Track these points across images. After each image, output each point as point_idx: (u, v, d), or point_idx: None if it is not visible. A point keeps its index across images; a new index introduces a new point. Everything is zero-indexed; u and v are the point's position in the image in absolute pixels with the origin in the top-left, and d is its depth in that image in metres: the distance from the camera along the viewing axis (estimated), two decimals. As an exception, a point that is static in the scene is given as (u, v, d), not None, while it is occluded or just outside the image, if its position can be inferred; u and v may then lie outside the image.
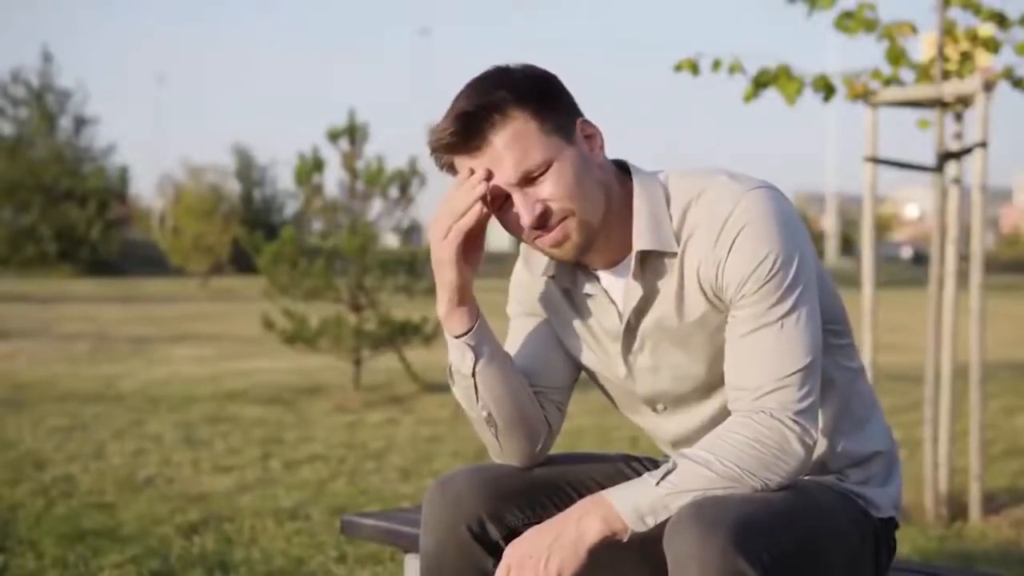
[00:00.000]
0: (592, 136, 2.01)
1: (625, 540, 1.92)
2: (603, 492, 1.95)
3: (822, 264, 2.09)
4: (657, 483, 1.90)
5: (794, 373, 1.94)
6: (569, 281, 2.11)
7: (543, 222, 1.97)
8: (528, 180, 1.95)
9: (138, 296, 25.69)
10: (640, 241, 2.00)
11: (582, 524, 1.91)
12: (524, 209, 1.96)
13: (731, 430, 1.93)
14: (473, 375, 2.07)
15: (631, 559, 2.14)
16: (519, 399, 2.11)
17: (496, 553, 2.06)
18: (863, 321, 4.97)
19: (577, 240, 1.99)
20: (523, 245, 2.17)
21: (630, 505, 1.90)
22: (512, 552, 1.94)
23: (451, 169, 2.01)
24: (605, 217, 2.01)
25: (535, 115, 1.94)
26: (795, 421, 1.93)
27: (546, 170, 1.95)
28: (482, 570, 2.07)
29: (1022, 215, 77.26)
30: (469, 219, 1.97)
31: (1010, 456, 6.52)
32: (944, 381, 5.02)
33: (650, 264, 2.02)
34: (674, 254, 2.00)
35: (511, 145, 1.94)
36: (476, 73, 2.01)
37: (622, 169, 2.07)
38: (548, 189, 1.95)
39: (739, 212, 1.95)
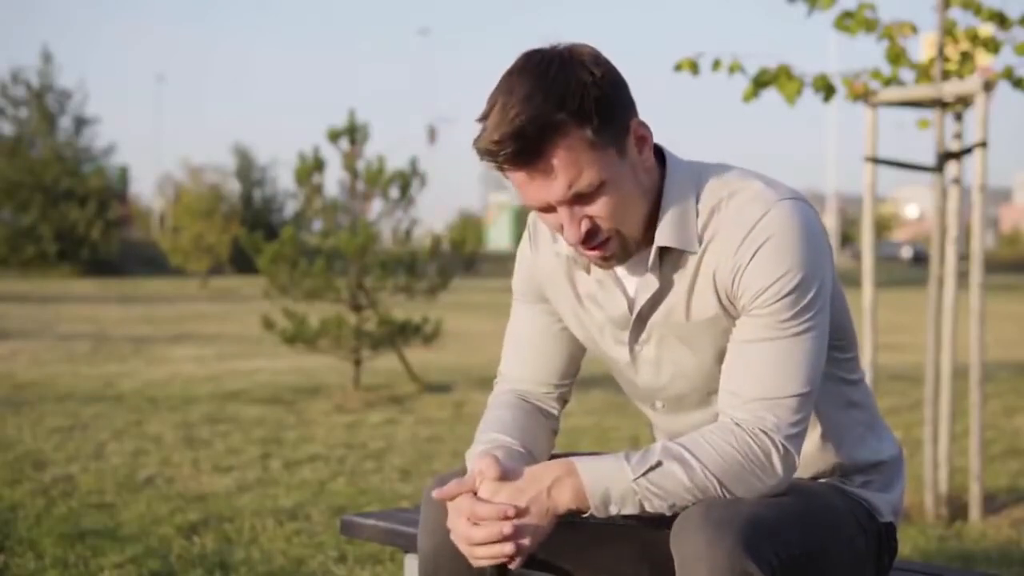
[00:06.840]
0: (644, 137, 1.93)
1: (584, 515, 1.92)
2: (578, 462, 1.91)
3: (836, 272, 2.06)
4: (635, 479, 1.88)
5: (793, 396, 1.91)
6: (579, 263, 2.08)
7: (589, 239, 1.94)
8: (578, 198, 1.90)
9: (138, 296, 25.69)
10: (663, 237, 1.97)
11: (553, 495, 1.89)
12: (570, 225, 1.92)
13: (727, 440, 1.90)
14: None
15: (631, 559, 2.14)
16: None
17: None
18: (863, 321, 4.96)
19: (621, 255, 1.98)
20: (531, 220, 2.15)
21: (600, 489, 1.88)
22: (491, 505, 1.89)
23: (499, 168, 1.93)
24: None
25: (594, 133, 1.85)
26: (784, 446, 1.90)
27: (598, 189, 1.90)
28: (480, 571, 2.06)
29: (1022, 215, 77.24)
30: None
31: (1010, 456, 6.52)
32: (944, 381, 5.02)
33: (669, 259, 1.99)
34: (694, 253, 1.98)
35: (567, 166, 1.86)
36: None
37: (658, 154, 2.02)
38: (597, 209, 1.91)
39: (766, 222, 1.92)
